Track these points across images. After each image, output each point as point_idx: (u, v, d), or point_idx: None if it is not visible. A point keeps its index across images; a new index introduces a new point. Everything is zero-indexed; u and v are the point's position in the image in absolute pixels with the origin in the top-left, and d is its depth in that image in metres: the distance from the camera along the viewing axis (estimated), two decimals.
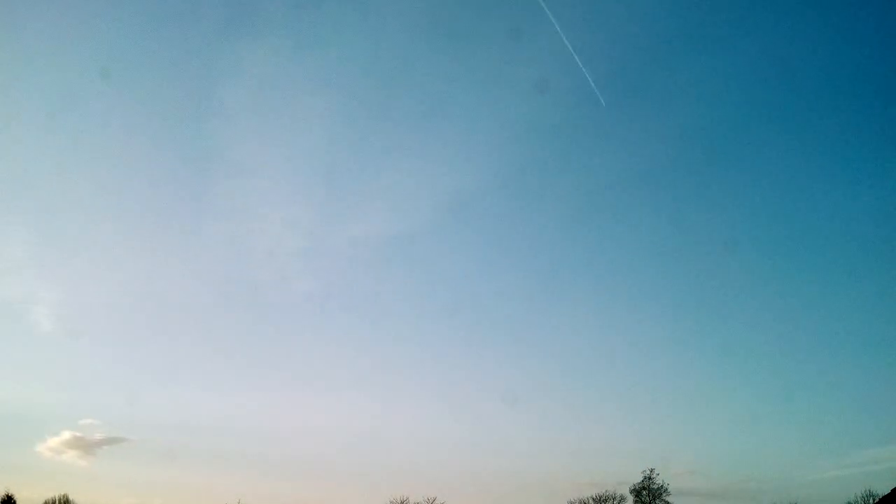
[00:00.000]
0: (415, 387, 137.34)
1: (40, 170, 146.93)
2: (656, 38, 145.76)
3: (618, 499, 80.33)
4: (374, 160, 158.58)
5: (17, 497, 74.44)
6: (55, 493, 76.58)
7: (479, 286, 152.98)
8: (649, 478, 78.22)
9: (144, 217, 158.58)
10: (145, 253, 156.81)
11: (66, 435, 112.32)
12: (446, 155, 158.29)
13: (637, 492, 78.57)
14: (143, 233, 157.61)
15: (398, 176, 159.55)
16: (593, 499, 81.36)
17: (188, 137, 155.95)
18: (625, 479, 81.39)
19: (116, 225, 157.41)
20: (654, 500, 77.59)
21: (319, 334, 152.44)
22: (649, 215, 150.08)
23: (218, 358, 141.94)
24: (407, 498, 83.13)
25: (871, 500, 64.54)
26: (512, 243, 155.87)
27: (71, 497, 76.88)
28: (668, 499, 77.55)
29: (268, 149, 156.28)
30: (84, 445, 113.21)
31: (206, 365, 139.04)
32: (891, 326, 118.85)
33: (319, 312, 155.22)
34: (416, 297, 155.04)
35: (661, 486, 77.88)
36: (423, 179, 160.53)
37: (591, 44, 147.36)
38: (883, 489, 60.49)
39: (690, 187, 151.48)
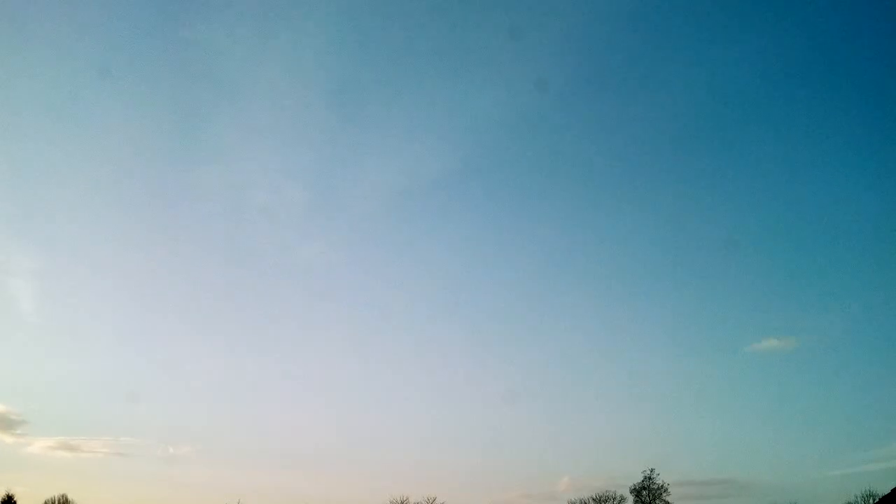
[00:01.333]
0: (415, 386, 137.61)
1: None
2: (658, 36, 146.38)
3: (618, 499, 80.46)
4: (388, 96, 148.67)
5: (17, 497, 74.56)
6: (55, 494, 76.69)
7: (479, 286, 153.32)
8: (649, 478, 78.33)
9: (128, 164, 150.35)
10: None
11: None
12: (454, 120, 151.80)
13: (637, 492, 78.59)
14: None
15: (413, 118, 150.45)
16: (593, 499, 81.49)
17: (179, 75, 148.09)
18: (625, 479, 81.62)
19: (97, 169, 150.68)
20: (654, 500, 77.58)
21: (320, 321, 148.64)
22: (649, 214, 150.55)
23: (208, 348, 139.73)
24: (407, 498, 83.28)
25: (871, 500, 64.57)
26: (511, 243, 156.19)
27: (70, 497, 76.98)
28: (668, 499, 77.71)
29: (265, 78, 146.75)
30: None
31: (200, 361, 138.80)
32: (891, 326, 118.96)
33: (323, 285, 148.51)
34: (420, 291, 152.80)
35: (661, 485, 78.00)
36: (443, 121, 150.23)
37: (591, 41, 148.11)
38: (883, 489, 60.55)
39: (692, 185, 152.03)
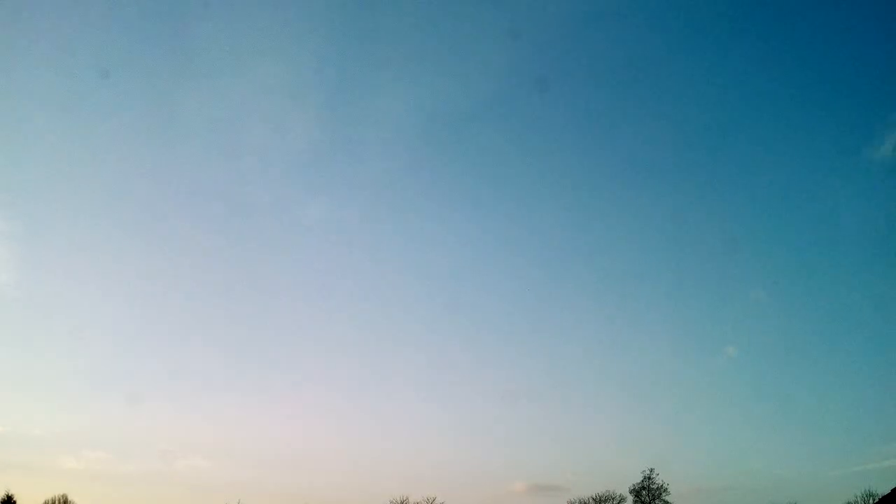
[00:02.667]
0: (416, 386, 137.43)
1: None
2: (659, 36, 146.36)
3: (618, 499, 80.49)
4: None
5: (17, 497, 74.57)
6: (55, 494, 76.69)
7: (479, 285, 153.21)
8: (649, 478, 78.34)
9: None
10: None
11: None
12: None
13: (637, 492, 78.62)
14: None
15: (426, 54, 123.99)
16: (593, 499, 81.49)
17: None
18: (625, 479, 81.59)
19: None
20: (654, 500, 77.60)
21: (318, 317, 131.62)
22: (650, 214, 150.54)
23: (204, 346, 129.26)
24: (407, 498, 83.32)
25: (871, 500, 64.60)
26: (512, 241, 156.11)
27: (70, 497, 76.99)
28: (668, 498, 77.74)
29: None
30: None
31: (193, 358, 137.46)
32: (892, 326, 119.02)
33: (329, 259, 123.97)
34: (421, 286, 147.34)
35: (661, 486, 78.02)
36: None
37: (594, 42, 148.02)
38: (883, 489, 60.58)
39: (695, 185, 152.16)
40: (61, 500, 75.55)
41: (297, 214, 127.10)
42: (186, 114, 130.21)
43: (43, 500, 75.98)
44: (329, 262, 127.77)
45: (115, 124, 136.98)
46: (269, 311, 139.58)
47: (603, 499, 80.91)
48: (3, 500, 73.21)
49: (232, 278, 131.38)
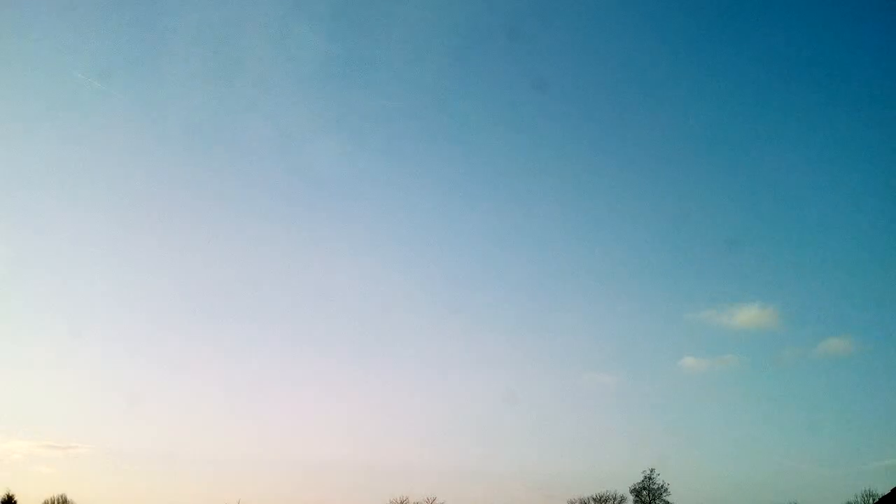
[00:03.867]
0: (415, 385, 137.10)
1: None
2: (661, 37, 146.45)
3: (618, 499, 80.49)
4: None
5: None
6: (54, 494, 76.71)
7: (479, 284, 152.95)
8: (649, 478, 78.32)
9: None
10: None
11: None
12: None
13: (637, 492, 78.61)
14: None
15: None
16: (593, 499, 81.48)
17: None
18: (625, 478, 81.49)
19: None
20: (654, 500, 77.61)
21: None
22: (648, 213, 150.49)
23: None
24: (407, 498, 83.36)
25: (870, 500, 64.58)
26: (512, 240, 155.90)
27: (69, 497, 77.02)
28: (668, 498, 77.73)
29: None
30: None
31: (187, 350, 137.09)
32: (892, 325, 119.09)
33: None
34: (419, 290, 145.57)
35: (661, 485, 78.01)
36: None
37: (595, 43, 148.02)
38: (883, 489, 60.55)
39: (693, 185, 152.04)
40: (61, 500, 75.65)
41: (305, 157, 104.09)
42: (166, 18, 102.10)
43: (43, 501, 76.23)
44: (344, 221, 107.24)
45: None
46: (265, 298, 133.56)
47: (603, 499, 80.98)
48: (4, 500, 73.29)
49: (221, 247, 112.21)
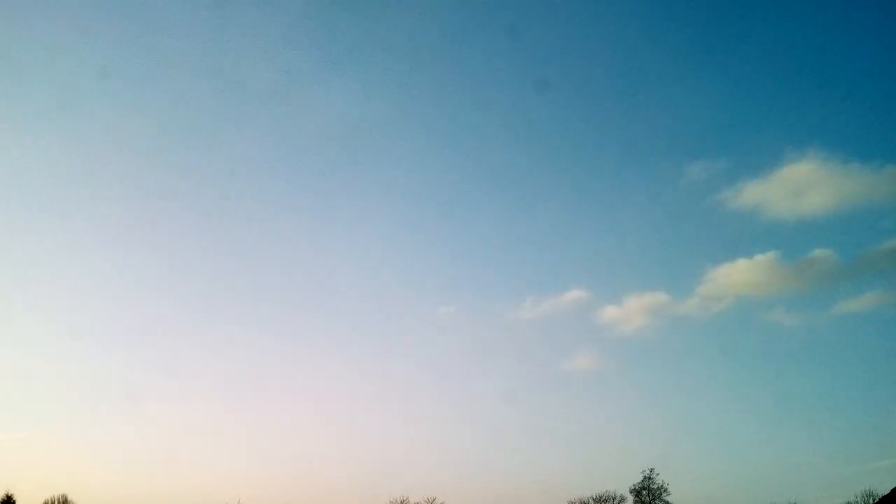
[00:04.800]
0: (415, 385, 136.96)
1: None
2: (661, 37, 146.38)
3: (618, 499, 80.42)
4: None
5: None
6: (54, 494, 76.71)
7: (479, 283, 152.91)
8: (649, 478, 78.22)
9: None
10: None
11: None
12: None
13: (637, 492, 78.53)
14: None
15: None
16: (593, 499, 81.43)
17: None
18: (625, 479, 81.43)
19: None
20: (654, 500, 77.53)
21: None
22: (647, 213, 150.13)
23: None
24: (407, 498, 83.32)
25: (870, 500, 64.51)
26: (512, 240, 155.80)
27: (70, 497, 77.00)
28: (668, 498, 77.64)
29: None
30: None
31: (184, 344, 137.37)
32: (892, 325, 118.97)
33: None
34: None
35: (661, 485, 77.92)
36: None
37: (590, 45, 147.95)
38: (883, 489, 60.52)
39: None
40: (61, 500, 75.63)
41: (312, 103, 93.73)
42: None
43: (43, 500, 76.21)
44: (345, 221, 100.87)
45: None
46: (265, 298, 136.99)
47: (603, 499, 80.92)
48: (4, 500, 73.26)
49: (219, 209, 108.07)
